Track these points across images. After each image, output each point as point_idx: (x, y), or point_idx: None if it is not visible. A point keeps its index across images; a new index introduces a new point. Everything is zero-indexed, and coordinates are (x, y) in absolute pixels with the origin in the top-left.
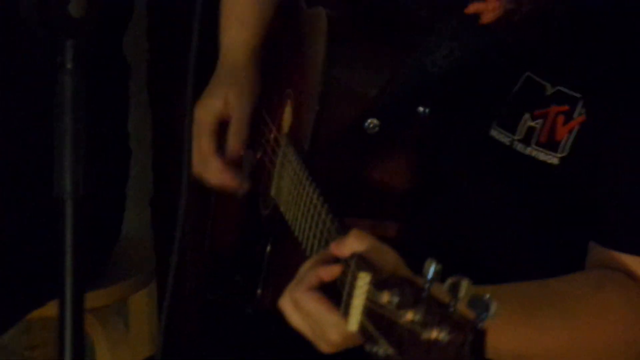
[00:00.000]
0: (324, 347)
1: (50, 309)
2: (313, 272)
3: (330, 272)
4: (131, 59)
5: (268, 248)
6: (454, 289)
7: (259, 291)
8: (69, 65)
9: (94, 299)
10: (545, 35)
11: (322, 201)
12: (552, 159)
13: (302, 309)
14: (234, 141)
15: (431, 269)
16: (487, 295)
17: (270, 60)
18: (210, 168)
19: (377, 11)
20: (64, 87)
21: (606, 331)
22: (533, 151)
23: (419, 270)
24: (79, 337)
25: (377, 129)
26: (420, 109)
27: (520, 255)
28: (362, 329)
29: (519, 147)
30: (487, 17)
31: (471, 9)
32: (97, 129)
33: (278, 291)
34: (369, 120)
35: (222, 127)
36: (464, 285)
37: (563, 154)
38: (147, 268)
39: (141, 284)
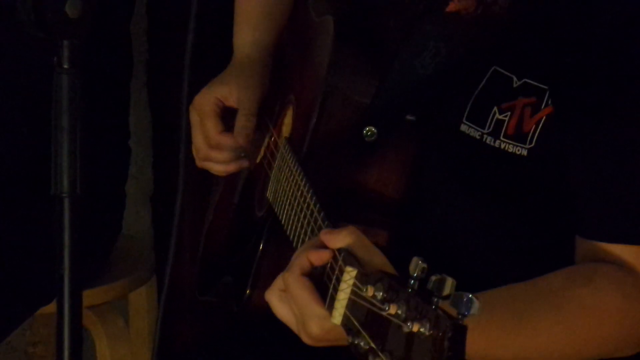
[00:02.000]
0: (305, 339)
1: (52, 306)
2: (304, 254)
3: (319, 256)
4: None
5: (260, 249)
6: (439, 287)
7: (247, 291)
8: (65, 65)
9: (94, 295)
10: (511, 28)
11: (318, 205)
12: (522, 150)
13: (290, 294)
14: (241, 132)
15: (417, 266)
16: (470, 295)
17: (277, 65)
18: (219, 147)
19: (374, 16)
20: (61, 87)
21: (601, 324)
22: (502, 144)
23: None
24: (77, 333)
25: (374, 137)
26: (408, 117)
27: (502, 250)
28: (345, 322)
29: (489, 140)
30: (468, 15)
31: (452, 7)
32: (98, 128)
33: (265, 289)
34: (367, 128)
35: (225, 117)
36: (448, 283)
37: (531, 145)
38: (147, 265)
39: (141, 281)
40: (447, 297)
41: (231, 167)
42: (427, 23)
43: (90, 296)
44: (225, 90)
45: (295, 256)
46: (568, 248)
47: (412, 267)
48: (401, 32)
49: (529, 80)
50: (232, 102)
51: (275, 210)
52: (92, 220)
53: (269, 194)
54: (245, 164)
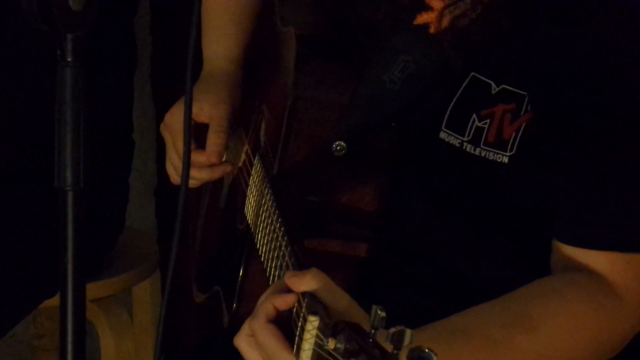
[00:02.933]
0: None
1: (57, 299)
2: (268, 300)
3: (284, 301)
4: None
5: (241, 268)
6: (398, 338)
7: (234, 305)
8: (69, 59)
9: (98, 289)
10: (489, 34)
11: (283, 231)
12: (502, 157)
13: (258, 341)
14: (213, 150)
15: (376, 316)
16: (426, 349)
17: (248, 74)
18: (193, 165)
19: (342, 30)
20: (65, 80)
21: (577, 341)
22: (482, 151)
23: (392, 288)
24: (81, 326)
25: (344, 151)
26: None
27: (482, 257)
28: None
29: (469, 147)
30: (435, 27)
31: (419, 20)
32: (102, 121)
33: (250, 310)
34: (336, 143)
35: (198, 134)
36: (407, 334)
37: (512, 153)
38: (150, 259)
39: (145, 274)
40: (405, 348)
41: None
42: (394, 37)
43: (94, 289)
44: (195, 107)
45: (260, 301)
46: (548, 254)
47: (372, 316)
48: (371, 46)
49: (507, 87)
50: (203, 118)
51: (251, 229)
52: (95, 214)
53: (246, 210)
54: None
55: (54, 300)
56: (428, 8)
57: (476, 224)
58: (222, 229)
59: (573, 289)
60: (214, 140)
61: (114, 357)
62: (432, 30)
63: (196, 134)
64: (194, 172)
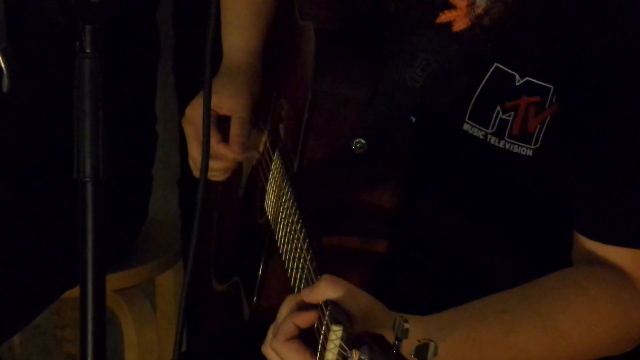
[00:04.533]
0: None
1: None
2: (289, 320)
3: (306, 319)
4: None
5: (261, 263)
6: (421, 352)
7: (254, 299)
8: (87, 50)
9: (121, 279)
10: (514, 27)
11: (302, 229)
12: (527, 150)
13: (282, 358)
14: (235, 141)
15: (399, 327)
16: None
17: (268, 67)
18: (217, 157)
19: (361, 26)
20: (83, 71)
21: (595, 334)
22: (507, 144)
23: (412, 284)
24: (101, 317)
25: (364, 148)
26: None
27: (505, 250)
28: None
29: (493, 140)
30: (459, 25)
31: (442, 18)
32: (125, 113)
33: (271, 305)
34: (356, 140)
35: (219, 126)
36: (431, 348)
37: (536, 146)
38: (173, 249)
39: (168, 265)
40: None
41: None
42: (416, 35)
43: (117, 280)
44: (215, 100)
45: (281, 321)
46: (569, 248)
47: (395, 327)
48: (392, 43)
49: (531, 79)
50: (224, 110)
51: (271, 224)
52: (119, 205)
53: (266, 205)
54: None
55: (77, 291)
56: (450, 6)
57: (497, 218)
58: (240, 221)
59: (594, 283)
60: (236, 131)
61: (136, 347)
62: (455, 28)
63: (217, 127)
64: (216, 164)
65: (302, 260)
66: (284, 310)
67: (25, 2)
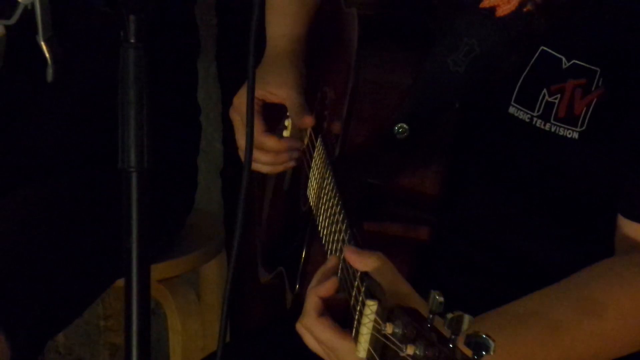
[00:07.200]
0: None
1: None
2: (312, 294)
3: (326, 289)
4: (200, 34)
5: (304, 251)
6: (456, 324)
7: (297, 287)
8: (132, 40)
9: (165, 269)
10: (562, 8)
11: (343, 213)
12: (573, 133)
13: (315, 337)
14: (299, 120)
15: (434, 301)
16: (484, 335)
17: (313, 54)
18: (263, 148)
19: (405, 11)
20: (128, 61)
21: (637, 320)
22: (553, 127)
23: (454, 271)
24: (145, 307)
25: (406, 133)
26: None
27: (550, 234)
28: (369, 357)
29: (539, 123)
30: (503, 10)
31: (486, 2)
32: (168, 104)
33: None
34: (398, 125)
35: (267, 115)
36: (466, 320)
37: (582, 128)
38: (217, 239)
39: (212, 255)
40: (463, 334)
41: (278, 169)
42: (457, 20)
43: (161, 269)
44: (260, 89)
45: (306, 300)
46: (613, 234)
47: (430, 301)
48: (435, 28)
49: (578, 62)
50: (273, 98)
51: (313, 211)
52: (165, 196)
53: (308, 192)
54: (291, 164)
55: (122, 281)
56: None
57: (542, 202)
58: (286, 210)
59: (635, 271)
60: (297, 123)
61: (181, 337)
62: (499, 13)
63: (264, 116)
64: (263, 156)
65: (339, 242)
66: (308, 290)
67: None
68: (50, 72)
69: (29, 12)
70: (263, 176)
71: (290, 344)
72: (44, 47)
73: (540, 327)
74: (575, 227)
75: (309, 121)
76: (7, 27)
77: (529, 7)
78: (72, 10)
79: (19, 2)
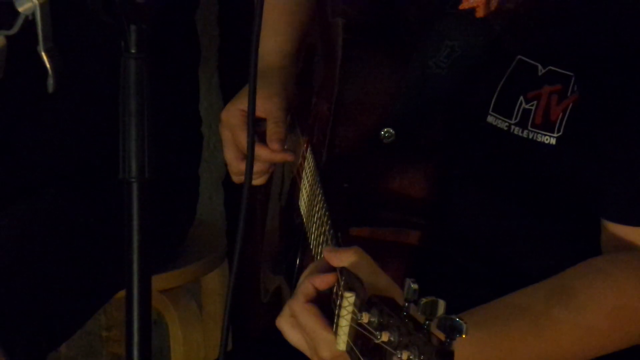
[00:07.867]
0: None
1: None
2: (308, 280)
3: (323, 281)
4: (202, 44)
5: (297, 258)
6: (431, 309)
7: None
8: (133, 50)
9: (167, 280)
10: (535, 16)
11: (329, 219)
12: (550, 139)
13: (298, 322)
14: (272, 138)
15: (408, 289)
16: (456, 318)
17: (306, 69)
18: (255, 158)
19: (385, 17)
20: (129, 71)
21: (624, 323)
22: (530, 133)
23: (443, 275)
24: (146, 318)
25: (392, 138)
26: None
27: (532, 239)
28: (349, 350)
29: (516, 130)
30: (482, 11)
31: (466, 4)
32: (169, 115)
33: None
34: (384, 130)
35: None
36: (440, 305)
37: (559, 134)
38: (219, 249)
39: (213, 265)
40: (436, 320)
41: (267, 178)
42: (439, 22)
43: (163, 280)
44: (245, 106)
45: (299, 282)
46: (596, 236)
47: (405, 289)
48: (418, 31)
49: (553, 68)
50: (259, 113)
51: (304, 220)
52: (168, 206)
53: (300, 203)
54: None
55: (123, 292)
56: None
57: (524, 208)
58: (282, 223)
59: (619, 267)
60: (272, 129)
61: (182, 347)
62: (479, 14)
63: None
64: (255, 166)
65: (323, 246)
66: (303, 275)
67: (70, 2)
68: (51, 82)
69: (29, 22)
70: (265, 187)
71: (291, 354)
72: (45, 58)
73: (524, 321)
74: (556, 231)
75: (273, 146)
76: (7, 38)
77: (510, 5)
78: (73, 20)
79: (19, 13)
